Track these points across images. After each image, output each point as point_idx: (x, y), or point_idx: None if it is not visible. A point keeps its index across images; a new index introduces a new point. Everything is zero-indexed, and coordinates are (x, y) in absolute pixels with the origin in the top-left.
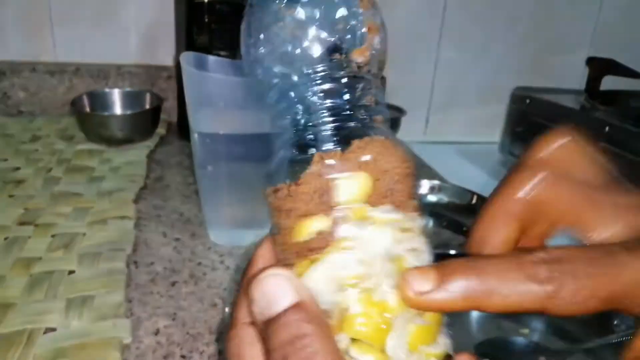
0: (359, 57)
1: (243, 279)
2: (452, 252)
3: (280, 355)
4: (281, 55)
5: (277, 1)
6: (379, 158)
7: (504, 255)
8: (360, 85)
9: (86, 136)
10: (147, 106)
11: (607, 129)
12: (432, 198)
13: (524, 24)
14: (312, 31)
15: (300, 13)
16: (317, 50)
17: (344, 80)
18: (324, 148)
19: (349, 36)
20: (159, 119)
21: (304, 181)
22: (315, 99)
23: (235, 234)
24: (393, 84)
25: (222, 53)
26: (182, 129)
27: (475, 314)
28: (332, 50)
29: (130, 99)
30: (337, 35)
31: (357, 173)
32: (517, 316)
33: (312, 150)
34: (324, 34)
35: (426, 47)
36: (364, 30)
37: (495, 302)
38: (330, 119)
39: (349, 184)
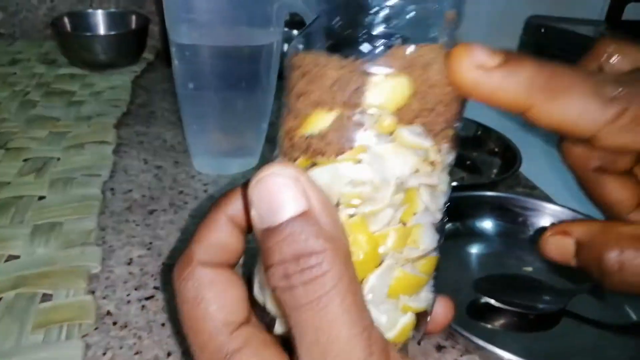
0: None
1: (211, 205)
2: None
3: (280, 274)
4: None
5: None
6: (431, 67)
7: (578, 68)
8: None
9: (68, 60)
10: (133, 27)
11: None
12: None
13: None
14: None
15: None
16: None
17: None
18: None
19: None
20: (146, 42)
21: (329, 62)
22: None
23: (221, 162)
24: None
25: None
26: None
27: (475, 251)
28: None
29: (115, 20)
30: None
31: (398, 74)
32: (521, 254)
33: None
34: None
35: None
36: None
37: (554, 111)
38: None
39: (384, 85)
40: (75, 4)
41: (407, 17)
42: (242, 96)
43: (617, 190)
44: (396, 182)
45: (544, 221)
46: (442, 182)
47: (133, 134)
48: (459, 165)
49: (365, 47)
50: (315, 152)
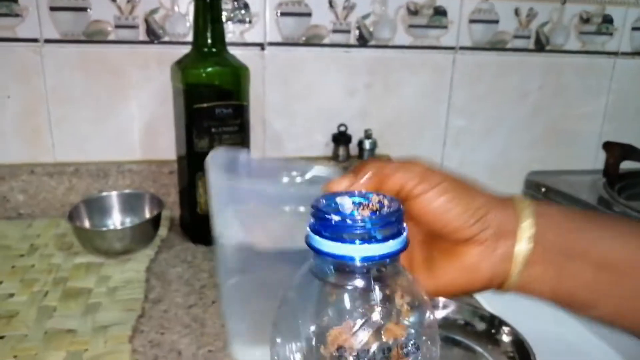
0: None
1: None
2: None
3: None
4: None
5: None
6: None
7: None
8: None
9: (84, 248)
10: (147, 208)
11: None
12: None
13: (534, 97)
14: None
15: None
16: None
17: None
18: None
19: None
20: (159, 224)
21: None
22: None
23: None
24: None
25: None
26: (185, 228)
27: None
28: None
29: (129, 202)
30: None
31: None
32: None
33: None
34: None
35: (434, 124)
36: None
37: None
38: None
39: None
40: (92, 183)
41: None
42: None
43: None
44: None
45: None
46: None
47: (147, 345)
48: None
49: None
50: None
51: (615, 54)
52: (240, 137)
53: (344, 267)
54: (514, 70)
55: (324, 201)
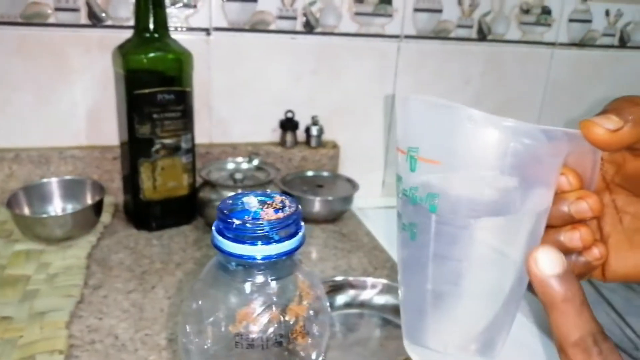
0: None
1: None
2: None
3: None
4: None
5: None
6: None
7: None
8: None
9: (24, 235)
10: (88, 194)
11: None
12: (379, 300)
13: (476, 84)
14: None
15: None
16: None
17: None
18: None
19: None
20: (102, 210)
21: None
22: None
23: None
24: (346, 147)
25: (167, 141)
26: (128, 214)
27: None
28: None
29: (71, 188)
30: None
31: None
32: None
33: None
34: None
35: (379, 110)
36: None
37: None
38: None
39: None
40: (33, 170)
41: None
42: None
43: None
44: None
45: None
46: None
47: (85, 330)
48: None
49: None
50: None
51: (553, 44)
52: (183, 123)
53: (245, 264)
54: (457, 58)
55: (230, 201)
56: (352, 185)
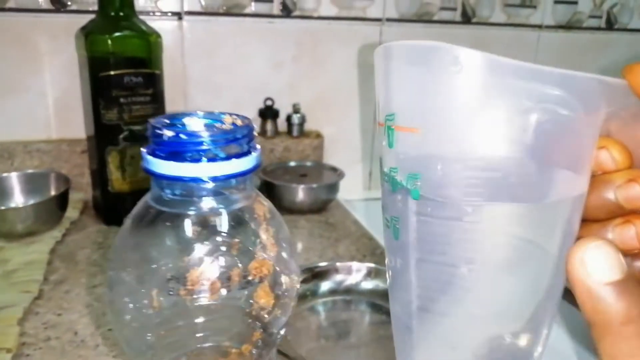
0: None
1: None
2: None
3: None
4: None
5: None
6: None
7: None
8: None
9: None
10: (53, 188)
11: None
12: (367, 285)
13: None
14: None
15: None
16: None
17: None
18: None
19: None
20: (67, 203)
21: None
22: None
23: None
24: (331, 137)
25: (136, 127)
26: (98, 209)
27: None
28: None
29: (33, 182)
30: None
31: None
32: None
33: None
34: None
35: (364, 98)
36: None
37: None
38: None
39: None
40: None
41: None
42: None
43: None
44: None
45: None
46: None
47: (40, 327)
48: None
49: None
50: None
51: (539, 27)
52: (154, 107)
53: (187, 192)
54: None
55: (167, 120)
56: (337, 173)
